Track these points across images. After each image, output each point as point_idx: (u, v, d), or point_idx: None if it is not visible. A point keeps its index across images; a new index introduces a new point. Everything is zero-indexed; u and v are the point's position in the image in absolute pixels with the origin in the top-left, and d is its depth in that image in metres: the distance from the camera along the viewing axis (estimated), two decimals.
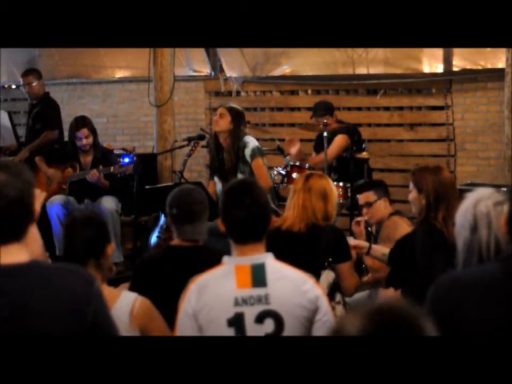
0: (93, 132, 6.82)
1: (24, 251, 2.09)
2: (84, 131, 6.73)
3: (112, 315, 2.75)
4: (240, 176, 5.93)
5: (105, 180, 6.69)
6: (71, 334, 2.05)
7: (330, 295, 3.97)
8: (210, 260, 2.92)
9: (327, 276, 4.01)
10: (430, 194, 3.87)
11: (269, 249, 2.77)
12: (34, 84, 7.59)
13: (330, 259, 4.05)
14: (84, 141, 6.73)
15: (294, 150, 6.66)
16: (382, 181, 5.17)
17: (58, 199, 6.71)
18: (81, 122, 6.79)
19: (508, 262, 2.13)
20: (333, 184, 4.32)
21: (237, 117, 6.01)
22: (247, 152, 5.93)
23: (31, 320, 2.02)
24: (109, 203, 6.62)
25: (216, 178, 6.15)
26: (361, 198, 5.03)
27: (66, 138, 7.55)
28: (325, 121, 6.57)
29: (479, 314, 2.04)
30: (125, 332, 2.89)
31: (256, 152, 5.93)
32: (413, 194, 3.99)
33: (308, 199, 4.13)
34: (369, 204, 4.94)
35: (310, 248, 4.03)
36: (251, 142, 5.99)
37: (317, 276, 3.88)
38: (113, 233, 6.48)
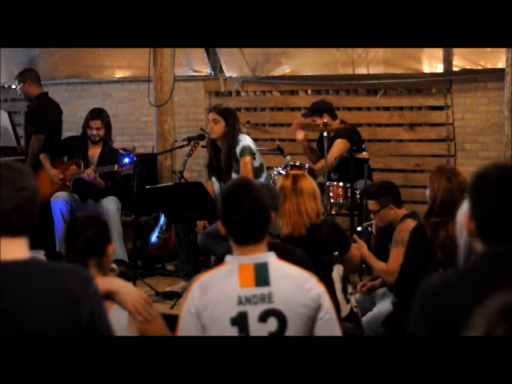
0: (106, 126, 6.91)
1: (25, 248, 2.10)
2: (97, 122, 6.84)
3: (110, 315, 2.76)
4: (234, 174, 5.98)
5: (106, 179, 6.71)
6: (67, 332, 2.05)
7: (343, 288, 4.05)
8: (288, 256, 2.92)
9: (338, 269, 4.09)
10: (437, 197, 3.92)
11: None
12: (19, 87, 7.61)
13: (336, 253, 4.13)
14: (94, 132, 6.83)
15: (300, 135, 6.76)
16: (389, 187, 5.09)
17: (62, 195, 6.76)
18: (97, 113, 6.92)
19: (491, 259, 2.12)
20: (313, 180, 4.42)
21: (230, 118, 6.06)
22: (237, 150, 6.01)
23: (27, 317, 2.02)
24: (110, 203, 6.64)
25: (213, 178, 6.19)
26: (368, 204, 5.08)
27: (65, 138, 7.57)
28: (325, 121, 6.58)
29: (468, 318, 2.02)
30: (125, 333, 2.89)
31: (245, 150, 6.00)
32: (427, 192, 4.06)
33: (301, 202, 4.16)
34: (374, 212, 4.97)
35: (314, 248, 4.04)
36: (243, 140, 6.06)
37: (325, 272, 3.93)
38: (116, 233, 6.51)
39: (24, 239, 2.10)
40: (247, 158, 5.99)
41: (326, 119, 6.74)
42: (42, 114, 7.49)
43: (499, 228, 2.11)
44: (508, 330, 1.49)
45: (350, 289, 4.14)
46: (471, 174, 2.23)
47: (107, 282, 2.64)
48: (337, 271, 4.09)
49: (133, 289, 2.71)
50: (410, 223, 4.71)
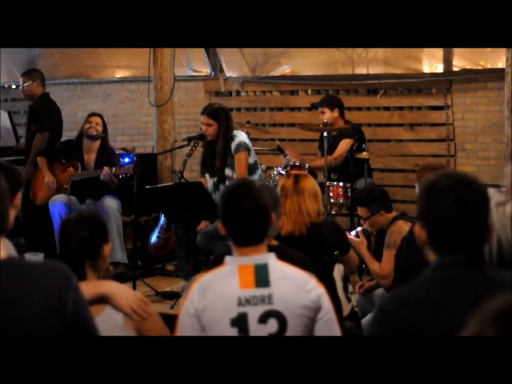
0: (104, 126, 6.94)
1: (2, 248, 2.08)
2: (97, 118, 6.90)
3: (106, 313, 2.74)
4: (228, 170, 6.00)
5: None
6: (53, 327, 2.05)
7: (344, 287, 4.06)
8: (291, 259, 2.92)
9: (339, 269, 4.10)
10: None
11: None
12: (26, 85, 7.58)
13: (336, 252, 4.13)
14: (93, 125, 6.84)
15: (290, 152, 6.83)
16: (378, 193, 5.06)
17: (60, 198, 6.73)
18: (98, 113, 7.04)
19: (444, 269, 2.10)
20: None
21: (222, 118, 6.06)
22: (233, 145, 6.03)
23: (11, 316, 2.01)
24: (111, 202, 6.64)
25: (207, 175, 6.21)
26: (358, 210, 5.07)
27: (63, 139, 7.56)
28: (324, 121, 6.58)
29: (430, 330, 2.00)
30: (121, 332, 2.88)
31: (240, 147, 6.03)
32: (416, 191, 4.06)
33: (302, 201, 4.17)
34: (364, 218, 4.97)
35: (315, 247, 4.05)
36: (239, 136, 6.09)
37: (326, 272, 3.93)
38: (116, 233, 6.51)
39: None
40: (242, 154, 6.02)
41: (336, 113, 6.78)
42: (47, 113, 7.49)
43: (449, 238, 2.10)
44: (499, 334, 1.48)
45: (350, 288, 4.16)
46: (472, 174, 2.21)
47: (100, 287, 2.62)
48: (338, 270, 4.10)
49: (126, 290, 2.69)
50: (401, 225, 4.71)
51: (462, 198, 2.08)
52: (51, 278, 2.09)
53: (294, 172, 5.22)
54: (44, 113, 7.47)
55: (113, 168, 6.56)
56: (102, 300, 2.59)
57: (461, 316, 1.98)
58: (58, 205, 6.67)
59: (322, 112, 6.86)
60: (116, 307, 2.61)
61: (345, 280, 4.13)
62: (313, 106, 7.17)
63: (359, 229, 5.01)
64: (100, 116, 6.95)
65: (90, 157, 6.89)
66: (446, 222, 2.08)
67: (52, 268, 2.13)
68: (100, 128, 6.87)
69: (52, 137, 7.42)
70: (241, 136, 6.10)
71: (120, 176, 6.53)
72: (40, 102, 7.56)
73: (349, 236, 4.77)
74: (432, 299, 2.04)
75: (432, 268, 2.12)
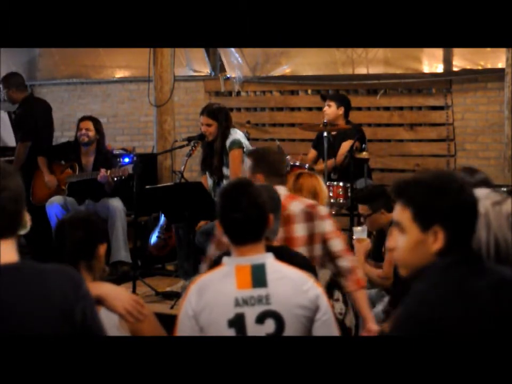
0: (98, 130, 6.86)
1: (13, 251, 2.05)
2: (87, 123, 6.82)
3: (101, 314, 2.74)
4: (225, 169, 6.02)
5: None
6: (61, 334, 2.03)
7: (328, 293, 4.00)
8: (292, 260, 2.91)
9: (324, 274, 4.04)
10: None
11: None
12: (6, 91, 7.50)
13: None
14: (84, 131, 6.78)
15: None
16: (380, 191, 5.06)
17: (57, 199, 6.72)
18: (88, 116, 6.96)
19: (454, 268, 2.08)
20: (323, 183, 4.36)
21: (221, 117, 6.10)
22: (227, 143, 6.08)
23: (19, 321, 1.99)
24: (116, 202, 6.66)
25: (207, 174, 6.24)
26: (359, 208, 5.07)
27: (64, 139, 7.55)
28: (325, 120, 6.58)
29: (462, 328, 1.99)
30: (116, 332, 2.87)
31: (234, 144, 6.07)
32: None
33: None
34: (365, 216, 4.96)
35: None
36: (233, 134, 6.15)
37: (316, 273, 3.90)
38: (121, 233, 6.53)
39: (11, 242, 2.04)
40: (236, 152, 6.05)
41: (340, 111, 6.79)
42: (29, 119, 7.36)
43: (464, 235, 2.10)
44: None
45: (336, 295, 4.06)
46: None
47: (94, 288, 2.61)
48: (323, 276, 4.03)
49: (121, 291, 2.68)
50: None
51: (469, 196, 2.10)
52: (62, 284, 2.06)
53: (300, 170, 5.21)
54: (24, 121, 7.36)
55: (108, 171, 6.55)
56: (97, 301, 2.58)
57: (486, 311, 1.99)
58: (55, 206, 6.67)
59: (328, 106, 6.87)
60: (110, 309, 2.60)
61: (332, 286, 4.05)
62: (322, 97, 7.18)
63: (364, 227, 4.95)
64: (91, 119, 6.87)
65: (88, 160, 6.88)
66: (467, 218, 2.09)
67: (63, 274, 2.10)
68: (91, 133, 6.80)
69: (40, 139, 7.34)
70: (235, 134, 6.14)
71: (115, 178, 6.52)
72: (21, 109, 7.47)
73: (354, 236, 4.73)
74: (456, 298, 2.02)
75: (440, 267, 2.09)
